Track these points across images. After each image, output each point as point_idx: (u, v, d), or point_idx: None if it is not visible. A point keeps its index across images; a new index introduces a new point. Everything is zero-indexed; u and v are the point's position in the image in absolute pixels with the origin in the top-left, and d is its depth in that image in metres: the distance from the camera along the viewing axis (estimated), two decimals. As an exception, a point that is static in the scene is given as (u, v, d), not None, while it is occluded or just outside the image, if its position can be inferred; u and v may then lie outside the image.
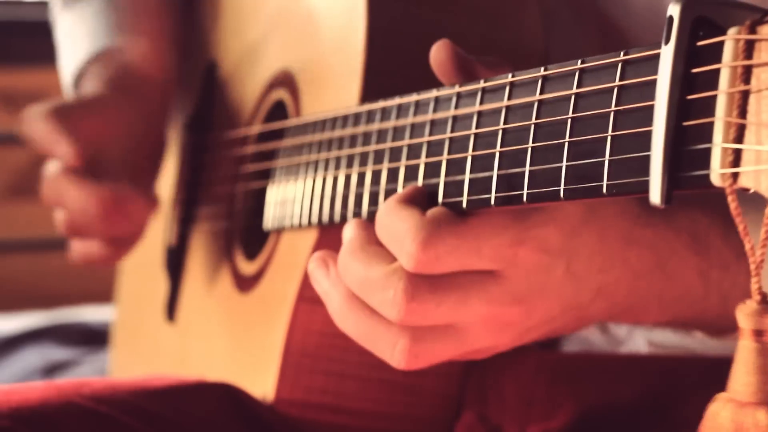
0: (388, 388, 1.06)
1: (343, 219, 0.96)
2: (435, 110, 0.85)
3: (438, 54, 0.86)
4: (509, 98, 0.78)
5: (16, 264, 2.80)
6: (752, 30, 0.60)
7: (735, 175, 0.61)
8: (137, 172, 1.29)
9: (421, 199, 0.84)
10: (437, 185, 0.84)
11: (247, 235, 1.20)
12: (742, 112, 0.61)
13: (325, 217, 0.98)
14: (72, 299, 2.36)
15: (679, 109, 0.64)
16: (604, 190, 0.69)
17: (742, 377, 0.63)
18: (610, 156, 0.69)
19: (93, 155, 1.23)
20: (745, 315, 0.63)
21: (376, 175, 0.92)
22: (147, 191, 1.26)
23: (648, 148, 0.65)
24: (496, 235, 0.80)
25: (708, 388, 0.67)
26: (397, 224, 0.81)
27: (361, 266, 0.84)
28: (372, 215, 0.92)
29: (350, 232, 0.87)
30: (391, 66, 1.01)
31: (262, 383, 1.08)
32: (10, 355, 1.91)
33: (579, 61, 0.72)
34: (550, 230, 0.82)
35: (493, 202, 0.79)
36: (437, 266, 0.80)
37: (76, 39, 1.38)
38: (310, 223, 1.01)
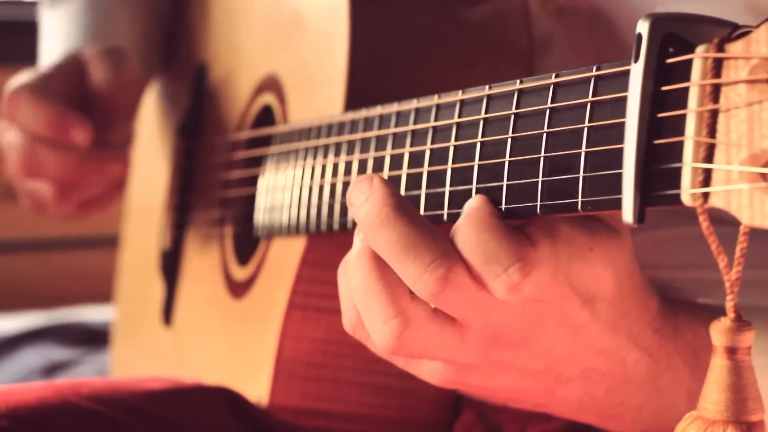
0: (383, 392, 1.06)
1: (329, 228, 0.95)
2: (416, 121, 0.85)
3: None
4: (486, 111, 0.77)
5: (16, 264, 2.80)
6: (720, 48, 0.59)
7: (706, 195, 0.60)
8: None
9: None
10: (419, 197, 0.83)
11: (239, 240, 1.20)
12: (712, 131, 0.60)
13: (312, 226, 0.98)
14: (72, 299, 2.36)
15: (649, 127, 0.63)
16: (579, 206, 0.68)
17: (712, 395, 0.63)
18: (584, 172, 0.68)
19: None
20: (719, 332, 0.63)
21: None
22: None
23: (621, 165, 0.64)
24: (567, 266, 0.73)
25: None
26: (498, 246, 0.72)
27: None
28: None
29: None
30: (375, 72, 1.00)
31: (256, 389, 1.08)
32: (10, 355, 1.91)
33: (553, 75, 0.71)
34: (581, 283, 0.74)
35: None
36: (529, 296, 0.73)
37: (54, 39, 1.37)
38: (298, 231, 1.01)
